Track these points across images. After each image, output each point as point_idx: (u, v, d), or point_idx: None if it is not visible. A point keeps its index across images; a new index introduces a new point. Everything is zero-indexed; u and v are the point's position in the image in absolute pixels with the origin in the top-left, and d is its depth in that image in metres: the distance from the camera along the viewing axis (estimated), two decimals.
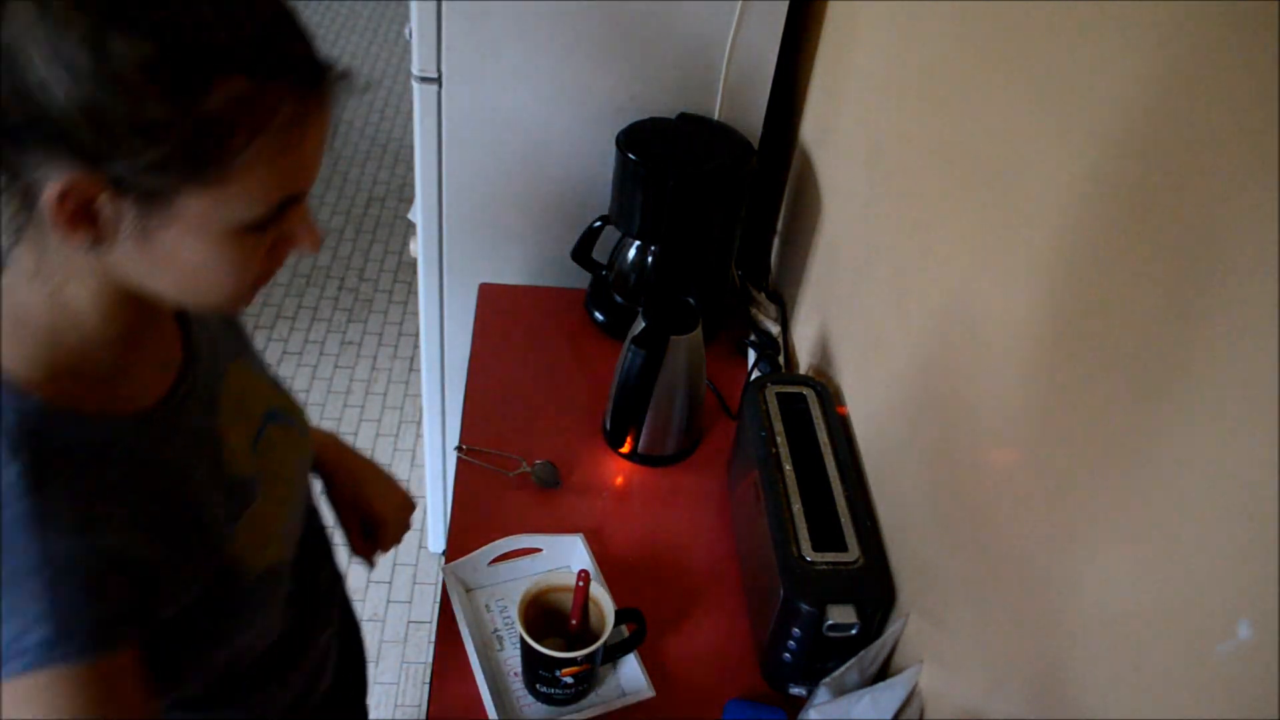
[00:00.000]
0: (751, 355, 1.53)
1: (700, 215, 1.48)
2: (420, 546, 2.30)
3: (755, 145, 1.57)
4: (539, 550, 1.20)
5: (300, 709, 0.97)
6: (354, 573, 2.08)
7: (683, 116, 1.54)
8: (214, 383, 0.79)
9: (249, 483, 0.80)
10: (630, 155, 1.41)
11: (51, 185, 0.56)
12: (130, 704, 0.67)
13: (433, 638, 1.14)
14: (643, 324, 1.27)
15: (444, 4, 1.42)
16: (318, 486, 1.03)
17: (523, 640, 0.98)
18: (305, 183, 0.65)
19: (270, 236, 0.66)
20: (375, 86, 4.22)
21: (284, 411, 0.89)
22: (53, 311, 0.65)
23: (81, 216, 0.59)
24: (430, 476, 2.04)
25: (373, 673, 1.90)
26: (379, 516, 1.06)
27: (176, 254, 0.62)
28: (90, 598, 0.63)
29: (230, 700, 0.86)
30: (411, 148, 1.58)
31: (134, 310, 0.68)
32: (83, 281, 0.65)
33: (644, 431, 1.34)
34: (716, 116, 1.56)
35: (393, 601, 2.17)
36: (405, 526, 1.10)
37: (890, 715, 0.94)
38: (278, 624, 0.86)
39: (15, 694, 0.62)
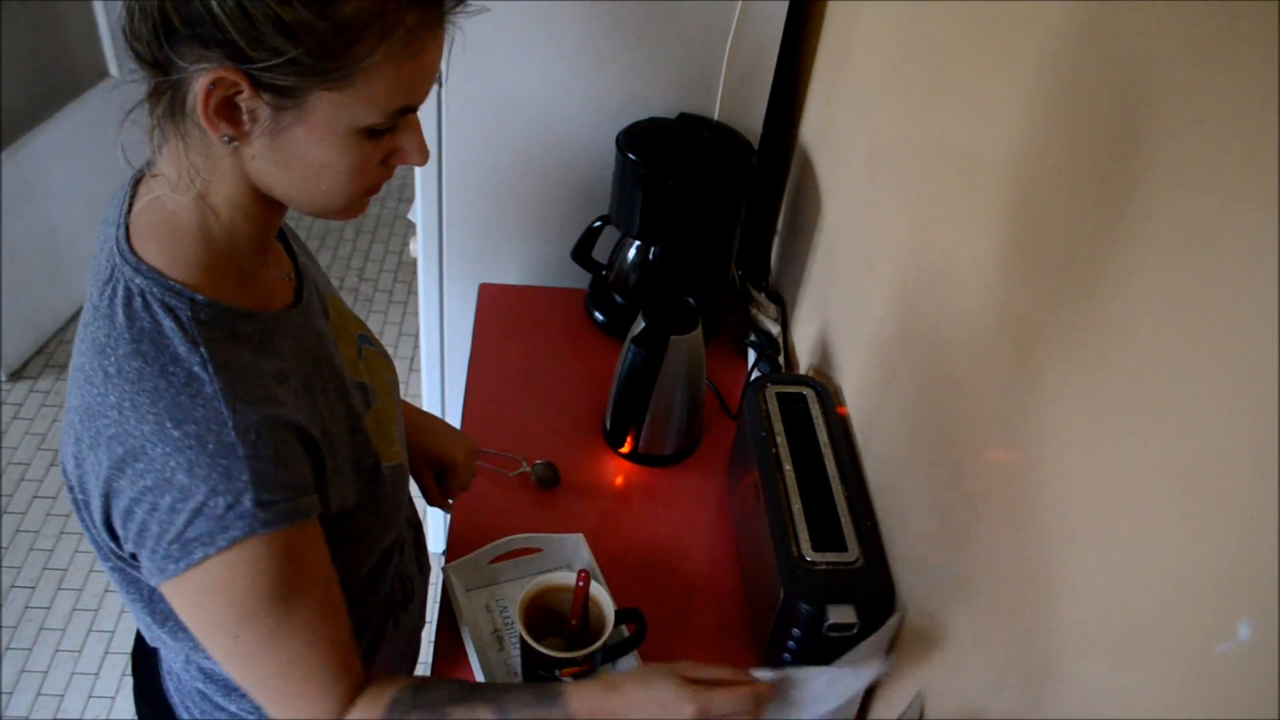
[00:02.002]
0: (751, 355, 1.53)
1: (700, 215, 1.48)
2: None
3: (755, 145, 1.57)
4: (539, 550, 1.20)
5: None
6: None
7: (683, 116, 1.55)
8: (322, 299, 0.88)
9: (364, 386, 0.89)
10: (630, 155, 1.41)
11: (201, 78, 0.63)
12: (325, 570, 0.77)
13: (433, 637, 1.15)
14: (643, 324, 1.27)
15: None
16: None
17: (522, 640, 0.99)
18: (420, 95, 0.71)
19: (384, 146, 0.72)
20: None
21: (372, 339, 0.97)
22: (201, 214, 0.72)
23: (224, 109, 0.65)
24: None
25: None
26: (450, 461, 1.13)
27: (302, 152, 0.69)
28: (280, 465, 0.71)
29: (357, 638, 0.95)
30: None
31: (264, 214, 0.75)
32: (224, 183, 0.71)
33: (644, 431, 1.34)
34: (716, 116, 1.56)
35: None
36: (473, 470, 1.17)
37: (840, 701, 0.92)
38: (399, 530, 0.95)
39: (233, 560, 0.69)
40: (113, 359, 0.69)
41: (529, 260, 1.71)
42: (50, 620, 2.12)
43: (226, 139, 0.67)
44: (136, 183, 0.76)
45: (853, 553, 1.03)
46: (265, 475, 0.69)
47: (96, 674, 2.03)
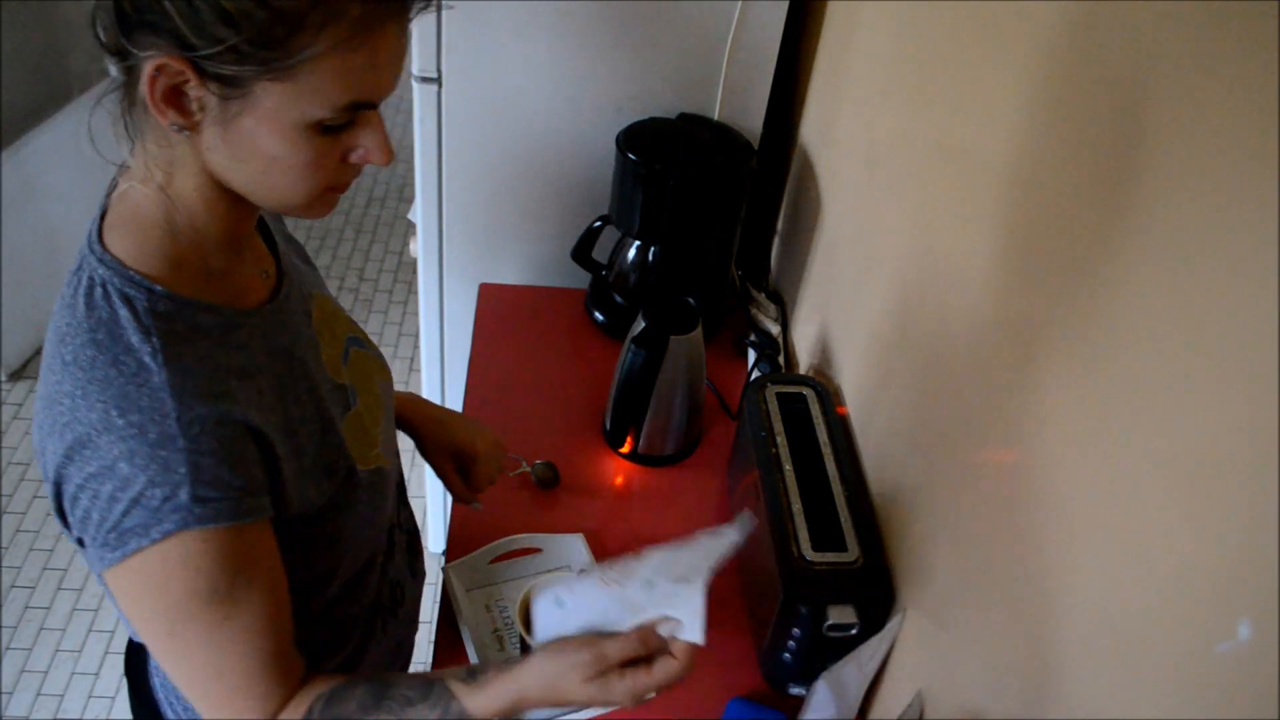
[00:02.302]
0: (751, 355, 1.53)
1: (700, 215, 1.48)
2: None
3: (755, 145, 1.57)
4: (539, 550, 1.20)
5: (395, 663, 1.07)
6: None
7: (683, 116, 1.55)
8: (306, 299, 0.88)
9: (346, 388, 0.88)
10: (630, 155, 1.41)
11: (148, 64, 0.64)
12: (270, 575, 0.76)
13: (433, 638, 1.15)
14: (643, 324, 1.27)
15: (444, 4, 1.42)
16: (407, 443, 1.11)
17: (523, 640, 0.98)
18: (377, 91, 0.70)
19: (343, 143, 0.72)
20: None
21: (363, 341, 0.96)
22: (165, 206, 0.73)
23: (172, 98, 0.66)
24: (430, 476, 2.04)
25: None
26: (472, 453, 1.12)
27: (253, 144, 0.69)
28: (224, 462, 0.70)
29: (342, 642, 0.95)
30: (411, 148, 1.58)
31: (230, 209, 0.75)
32: (186, 175, 0.72)
33: (644, 431, 1.34)
34: (716, 116, 1.56)
35: None
36: (498, 463, 1.15)
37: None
38: (383, 535, 0.95)
39: (168, 554, 0.69)
40: (70, 348, 0.69)
41: (529, 260, 1.71)
42: (50, 620, 2.12)
43: (177, 128, 0.67)
44: (115, 181, 0.77)
45: (853, 553, 1.03)
46: (205, 471, 0.69)
47: (96, 674, 2.03)
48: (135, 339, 0.69)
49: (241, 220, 0.78)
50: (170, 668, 0.75)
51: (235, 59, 0.63)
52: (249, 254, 0.82)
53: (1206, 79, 0.59)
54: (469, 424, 1.15)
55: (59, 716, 1.96)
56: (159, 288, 0.71)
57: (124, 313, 0.69)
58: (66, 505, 0.71)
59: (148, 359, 0.69)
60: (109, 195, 0.75)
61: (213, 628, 0.72)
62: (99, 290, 0.70)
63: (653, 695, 0.81)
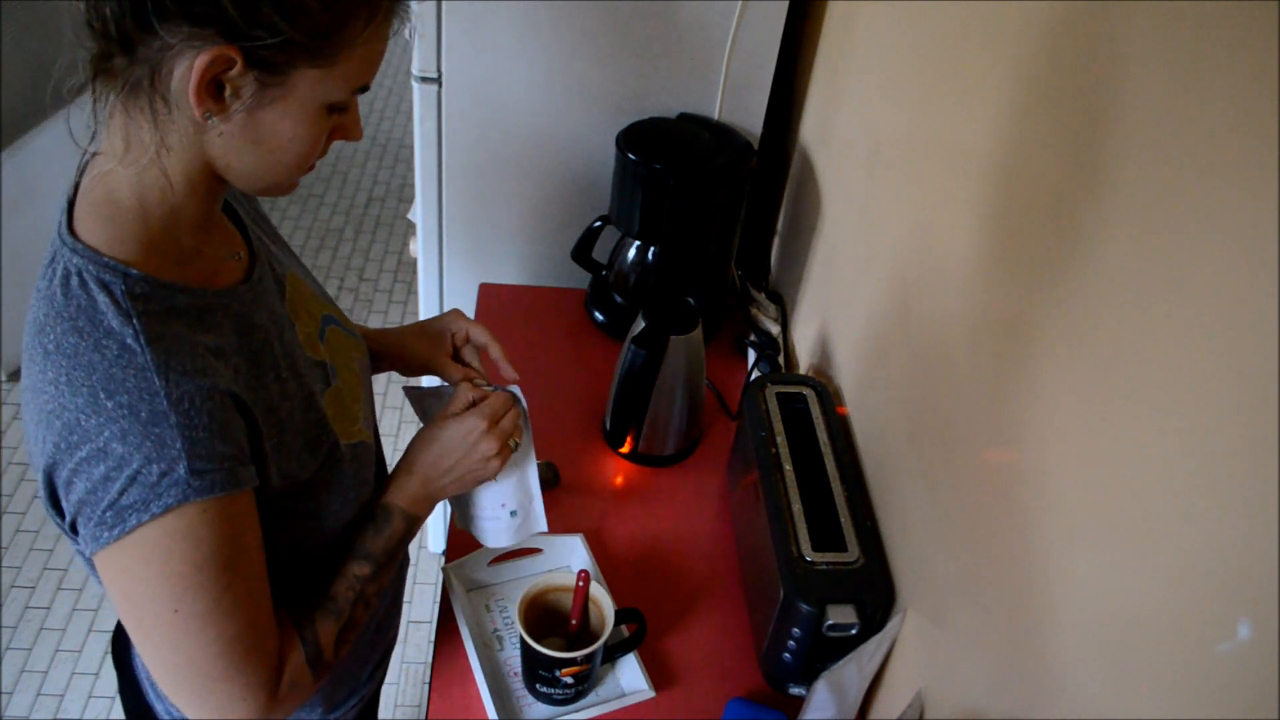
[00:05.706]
0: (751, 355, 1.53)
1: (700, 215, 1.48)
2: (420, 546, 2.30)
3: (755, 145, 1.57)
4: (539, 550, 1.20)
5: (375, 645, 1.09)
6: None
7: (683, 116, 1.55)
8: (279, 279, 0.89)
9: (325, 365, 0.90)
10: (630, 155, 1.41)
11: (199, 55, 0.64)
12: (258, 541, 0.77)
13: (433, 638, 1.15)
14: (643, 324, 1.27)
15: (444, 4, 1.42)
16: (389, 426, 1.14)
17: (523, 640, 0.99)
18: (374, 74, 0.74)
19: (334, 122, 0.75)
20: (375, 86, 4.22)
21: (339, 319, 0.98)
22: (140, 190, 0.73)
23: (212, 87, 0.67)
24: None
25: None
26: (446, 327, 1.14)
27: (274, 128, 0.71)
28: (216, 434, 0.71)
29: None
30: (411, 148, 1.58)
31: (207, 192, 0.76)
32: (177, 158, 0.72)
33: (644, 431, 1.34)
34: (716, 116, 1.56)
35: None
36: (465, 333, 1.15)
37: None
38: (362, 505, 0.96)
39: (168, 527, 0.70)
40: (51, 337, 0.70)
41: (529, 260, 1.71)
42: (50, 620, 2.12)
43: (209, 115, 0.68)
44: (83, 170, 0.77)
45: (853, 553, 1.03)
46: (199, 444, 0.70)
47: (96, 674, 2.03)
48: (115, 323, 0.69)
49: (215, 200, 0.79)
50: (174, 651, 0.74)
51: (286, 48, 0.66)
52: (218, 236, 0.82)
53: (1206, 76, 0.59)
54: (426, 322, 1.15)
55: (59, 717, 1.96)
56: (135, 271, 0.72)
57: (102, 298, 0.70)
58: (60, 492, 0.71)
59: (130, 341, 0.69)
60: (76, 185, 0.75)
61: (219, 598, 0.73)
62: (75, 279, 0.71)
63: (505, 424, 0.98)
